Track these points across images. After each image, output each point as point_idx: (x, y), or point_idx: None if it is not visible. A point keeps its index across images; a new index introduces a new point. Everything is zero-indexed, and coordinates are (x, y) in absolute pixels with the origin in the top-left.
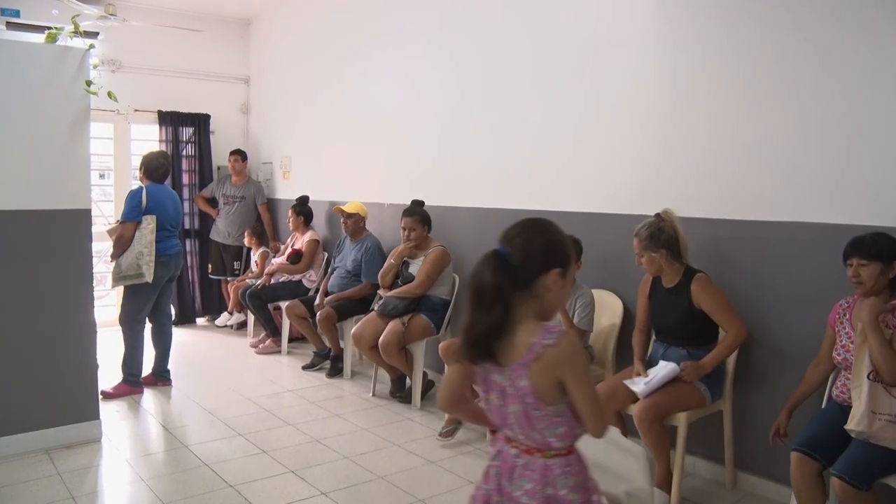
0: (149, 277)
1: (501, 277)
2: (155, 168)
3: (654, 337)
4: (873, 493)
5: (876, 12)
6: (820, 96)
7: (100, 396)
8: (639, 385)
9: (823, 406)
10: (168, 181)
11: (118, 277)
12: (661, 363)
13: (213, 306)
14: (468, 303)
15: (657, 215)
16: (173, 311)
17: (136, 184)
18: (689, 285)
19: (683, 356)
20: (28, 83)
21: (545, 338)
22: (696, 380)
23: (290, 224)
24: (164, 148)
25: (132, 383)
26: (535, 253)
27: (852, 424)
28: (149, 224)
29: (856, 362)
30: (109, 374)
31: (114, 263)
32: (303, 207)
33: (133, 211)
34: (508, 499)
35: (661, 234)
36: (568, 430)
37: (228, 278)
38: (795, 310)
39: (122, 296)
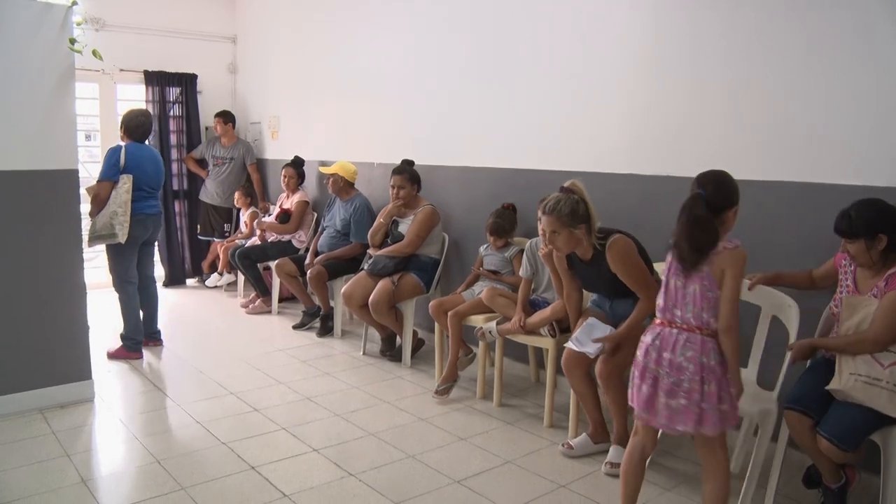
0: (122, 237)
1: (706, 210)
2: (135, 127)
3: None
4: (858, 449)
5: None
6: (804, 57)
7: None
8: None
9: (809, 363)
10: (153, 142)
11: (93, 237)
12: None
13: (201, 268)
14: (681, 228)
15: (565, 189)
16: (163, 272)
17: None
18: (604, 253)
19: (629, 305)
20: (9, 41)
21: (728, 245)
22: (615, 348)
23: (284, 181)
24: (150, 108)
25: (131, 349)
26: (721, 194)
27: (832, 385)
28: (125, 184)
29: (840, 328)
30: (101, 335)
31: (90, 222)
32: (299, 168)
33: (110, 170)
34: (669, 364)
35: (579, 207)
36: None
37: (216, 239)
38: (778, 267)
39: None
